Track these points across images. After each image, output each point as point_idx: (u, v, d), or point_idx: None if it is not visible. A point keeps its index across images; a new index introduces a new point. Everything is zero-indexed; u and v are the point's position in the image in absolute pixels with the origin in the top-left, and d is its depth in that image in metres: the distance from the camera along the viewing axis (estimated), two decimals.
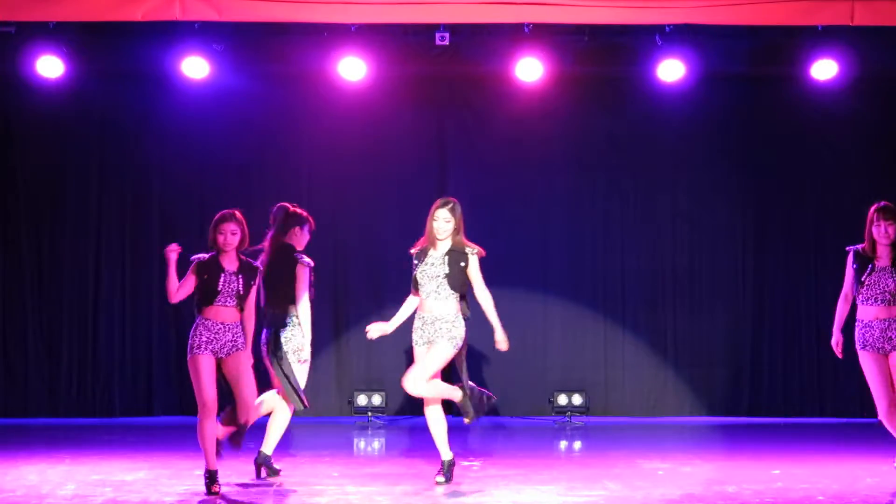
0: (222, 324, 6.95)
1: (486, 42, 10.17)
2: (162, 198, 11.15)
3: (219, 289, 6.94)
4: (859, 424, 10.95)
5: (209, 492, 6.90)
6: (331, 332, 11.05)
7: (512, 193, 11.34)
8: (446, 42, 9.78)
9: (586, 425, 10.87)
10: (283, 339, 7.48)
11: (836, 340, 7.54)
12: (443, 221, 7.37)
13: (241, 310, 7.05)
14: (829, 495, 7.02)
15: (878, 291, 7.26)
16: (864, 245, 7.36)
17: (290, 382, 7.48)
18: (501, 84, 10.72)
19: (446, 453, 7.46)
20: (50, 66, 9.95)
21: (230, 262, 7.05)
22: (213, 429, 6.94)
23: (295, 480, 7.58)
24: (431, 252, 7.36)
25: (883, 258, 7.28)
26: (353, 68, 10.05)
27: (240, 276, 7.02)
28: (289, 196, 11.23)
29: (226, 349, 6.94)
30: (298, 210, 7.82)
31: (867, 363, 7.33)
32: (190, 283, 6.99)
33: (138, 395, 11.08)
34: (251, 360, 7.08)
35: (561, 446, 9.81)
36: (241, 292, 6.99)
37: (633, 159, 11.35)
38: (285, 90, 11.19)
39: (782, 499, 6.94)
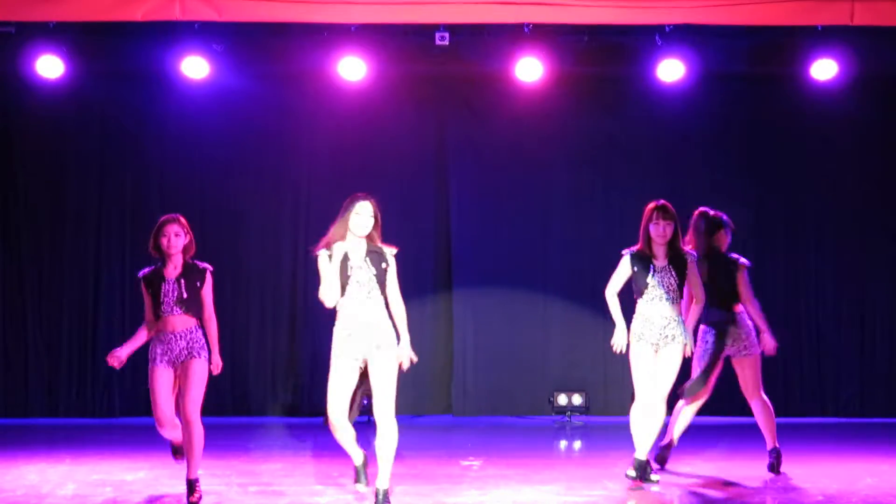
0: (173, 333, 6.77)
1: (486, 42, 10.17)
2: (162, 198, 11.14)
3: (161, 300, 6.77)
4: (859, 424, 10.96)
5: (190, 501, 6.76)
6: None
7: (512, 193, 11.34)
8: (446, 42, 9.78)
9: (586, 425, 10.87)
10: (727, 339, 7.71)
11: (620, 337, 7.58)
12: (367, 216, 6.54)
13: (195, 315, 6.83)
14: (829, 495, 7.02)
15: (662, 291, 7.37)
16: (639, 245, 7.45)
17: (704, 377, 7.64)
18: (501, 84, 10.72)
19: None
20: (50, 66, 9.96)
21: (173, 269, 6.83)
22: (175, 433, 6.89)
23: (295, 480, 7.58)
24: (350, 254, 6.50)
25: (660, 257, 7.40)
26: (353, 68, 10.05)
27: (181, 281, 6.79)
28: (289, 196, 11.35)
29: (181, 357, 6.76)
30: (718, 213, 7.93)
31: (642, 355, 7.40)
32: (147, 300, 6.85)
33: (138, 395, 11.06)
34: (207, 369, 6.82)
35: (561, 446, 9.81)
36: (186, 297, 6.77)
37: (632, 159, 11.34)
38: (285, 90, 11.19)
39: (783, 499, 6.94)
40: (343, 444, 6.62)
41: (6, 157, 11.13)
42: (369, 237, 6.54)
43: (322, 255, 6.49)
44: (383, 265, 6.49)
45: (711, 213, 7.97)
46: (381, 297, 6.47)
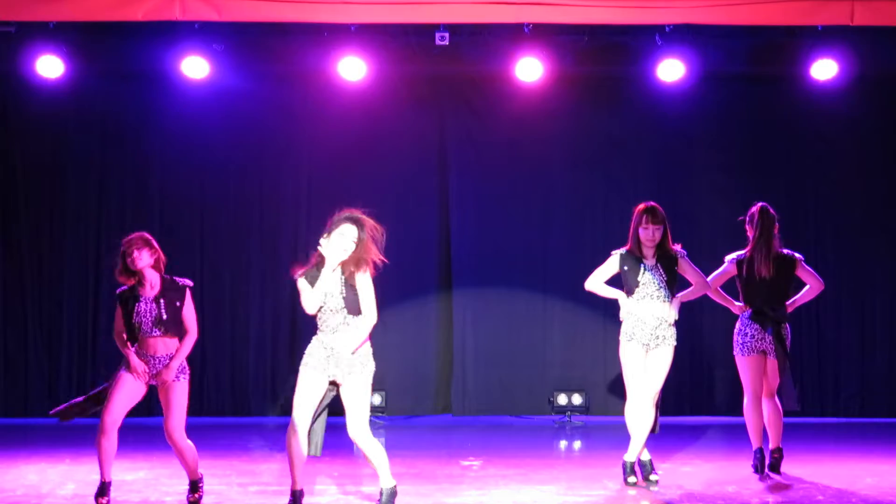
0: (153, 356, 6.53)
1: (486, 42, 10.17)
2: (162, 198, 11.16)
3: (133, 321, 6.49)
4: (859, 424, 10.96)
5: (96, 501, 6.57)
6: None
7: (512, 193, 11.34)
8: (446, 42, 9.78)
9: (586, 425, 10.87)
10: (783, 335, 7.61)
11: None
12: (349, 240, 6.24)
13: (175, 335, 6.53)
14: (829, 495, 7.02)
15: (654, 289, 7.41)
16: (629, 246, 7.51)
17: (789, 377, 7.54)
18: (501, 84, 10.73)
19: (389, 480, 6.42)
20: (50, 66, 9.96)
21: (150, 288, 6.55)
22: (109, 445, 6.52)
23: None
24: (326, 273, 6.18)
25: (650, 258, 7.47)
26: (353, 68, 10.06)
27: (161, 301, 6.49)
28: (289, 196, 11.35)
29: (158, 379, 6.54)
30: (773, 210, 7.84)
31: (633, 355, 7.42)
32: (119, 319, 6.60)
33: None
34: (187, 390, 6.60)
35: (561, 446, 9.81)
36: (165, 317, 6.49)
37: (632, 159, 11.35)
38: (285, 90, 11.19)
39: (782, 499, 6.94)
40: (293, 459, 6.23)
41: (6, 157, 11.13)
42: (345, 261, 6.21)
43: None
44: (352, 284, 6.24)
45: (771, 210, 7.88)
46: (354, 319, 6.24)
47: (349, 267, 6.21)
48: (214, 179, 11.24)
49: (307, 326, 11.18)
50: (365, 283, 6.23)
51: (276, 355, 11.27)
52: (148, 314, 6.52)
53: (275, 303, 11.29)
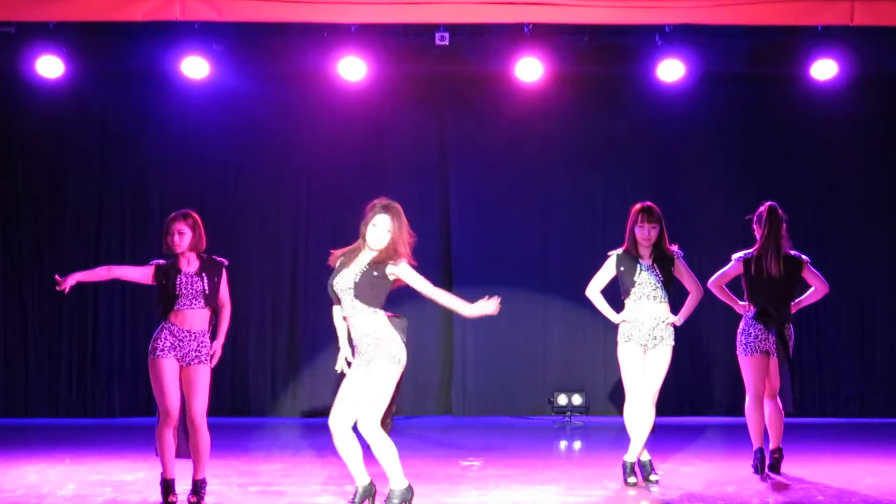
0: (188, 331, 6.56)
1: (486, 42, 10.18)
2: (162, 198, 11.15)
3: (177, 292, 6.56)
4: (859, 424, 10.97)
5: (165, 501, 6.61)
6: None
7: (512, 193, 11.35)
8: (446, 42, 9.79)
9: (586, 425, 10.87)
10: (786, 335, 7.59)
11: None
12: (383, 230, 6.24)
13: (212, 308, 6.65)
14: (829, 495, 7.02)
15: (650, 289, 7.43)
16: (625, 246, 7.53)
17: (789, 378, 7.52)
18: (501, 84, 10.73)
19: (402, 481, 6.26)
20: (50, 66, 9.96)
21: (189, 264, 6.64)
22: (172, 437, 6.59)
23: (295, 480, 7.58)
24: (356, 259, 6.25)
25: (646, 258, 7.47)
26: (353, 68, 10.06)
27: (203, 275, 6.60)
28: (289, 196, 11.35)
29: (188, 358, 6.54)
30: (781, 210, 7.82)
31: (631, 356, 7.43)
32: (140, 272, 6.68)
33: (138, 395, 11.08)
34: (210, 374, 6.62)
35: (561, 446, 9.81)
36: (207, 291, 6.59)
37: (633, 159, 11.35)
38: (285, 90, 11.20)
39: (782, 499, 6.95)
40: (343, 458, 6.22)
41: (6, 158, 11.14)
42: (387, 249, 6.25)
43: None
44: (375, 274, 6.24)
45: (780, 209, 7.88)
46: (367, 308, 6.22)
47: (380, 258, 6.24)
48: (214, 179, 11.25)
49: (307, 327, 11.25)
50: (407, 272, 6.31)
51: (276, 355, 11.27)
52: (190, 287, 6.60)
53: (275, 303, 11.30)
